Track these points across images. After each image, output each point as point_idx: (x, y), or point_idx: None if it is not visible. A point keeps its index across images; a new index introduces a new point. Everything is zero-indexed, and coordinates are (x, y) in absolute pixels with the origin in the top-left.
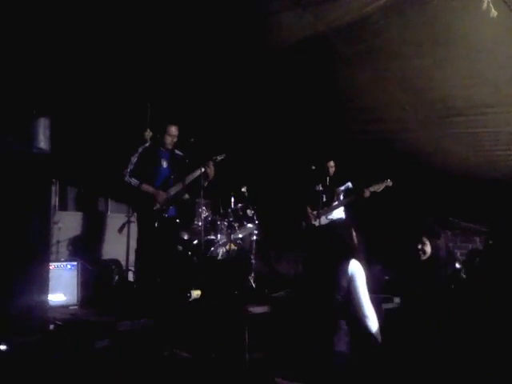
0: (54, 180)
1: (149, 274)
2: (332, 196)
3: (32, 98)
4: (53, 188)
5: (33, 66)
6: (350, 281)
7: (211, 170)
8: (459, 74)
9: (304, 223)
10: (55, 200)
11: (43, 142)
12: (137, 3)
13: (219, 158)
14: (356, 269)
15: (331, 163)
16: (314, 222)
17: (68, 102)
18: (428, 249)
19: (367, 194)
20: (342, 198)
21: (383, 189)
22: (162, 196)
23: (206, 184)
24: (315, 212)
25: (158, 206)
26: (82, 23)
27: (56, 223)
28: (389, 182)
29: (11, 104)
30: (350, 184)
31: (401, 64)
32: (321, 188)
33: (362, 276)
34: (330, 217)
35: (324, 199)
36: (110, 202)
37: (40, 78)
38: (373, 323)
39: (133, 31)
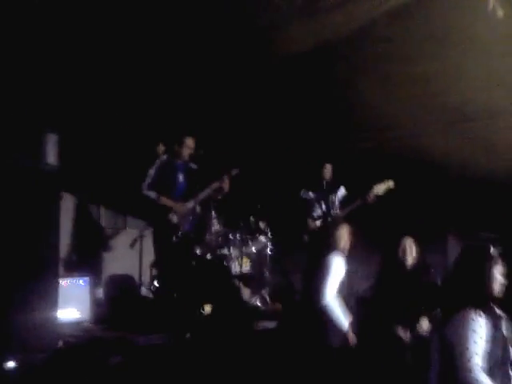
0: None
1: (165, 289)
2: (332, 204)
3: (40, 114)
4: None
5: (41, 83)
6: (324, 271)
7: (226, 184)
8: (473, 78)
9: (306, 237)
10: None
11: (52, 158)
12: (146, 16)
13: (235, 171)
14: (331, 262)
15: (328, 166)
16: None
17: (78, 118)
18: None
19: (372, 196)
20: (337, 205)
21: (385, 190)
22: (180, 208)
23: (219, 197)
24: (317, 222)
25: (175, 219)
26: (91, 39)
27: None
28: (390, 183)
29: (20, 121)
30: (343, 189)
31: (411, 69)
32: (314, 195)
33: (336, 268)
34: None
35: (323, 208)
36: (119, 217)
37: (48, 95)
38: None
39: (143, 47)
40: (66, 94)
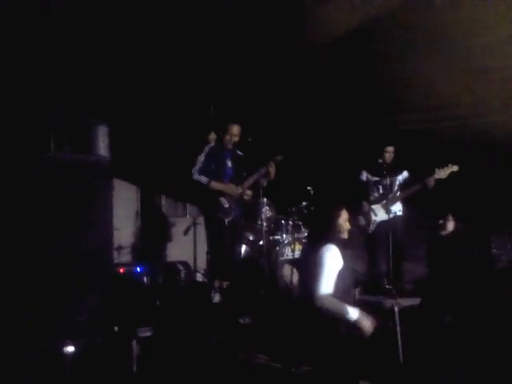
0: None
1: (218, 274)
2: (390, 187)
3: (91, 106)
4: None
5: (91, 75)
6: (316, 266)
7: (273, 170)
8: None
9: (362, 220)
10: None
11: (103, 150)
12: (189, 10)
13: (279, 157)
14: (325, 253)
15: (390, 149)
16: (373, 218)
17: (128, 108)
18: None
19: (432, 181)
20: (397, 188)
21: (448, 175)
22: (233, 188)
23: (265, 184)
24: (373, 206)
25: (226, 203)
26: (140, 29)
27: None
28: (454, 167)
29: (71, 113)
30: (406, 173)
31: (465, 44)
32: (376, 178)
33: (331, 260)
34: (393, 210)
35: (381, 191)
36: (172, 205)
37: (99, 87)
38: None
39: (185, 38)
40: (115, 85)
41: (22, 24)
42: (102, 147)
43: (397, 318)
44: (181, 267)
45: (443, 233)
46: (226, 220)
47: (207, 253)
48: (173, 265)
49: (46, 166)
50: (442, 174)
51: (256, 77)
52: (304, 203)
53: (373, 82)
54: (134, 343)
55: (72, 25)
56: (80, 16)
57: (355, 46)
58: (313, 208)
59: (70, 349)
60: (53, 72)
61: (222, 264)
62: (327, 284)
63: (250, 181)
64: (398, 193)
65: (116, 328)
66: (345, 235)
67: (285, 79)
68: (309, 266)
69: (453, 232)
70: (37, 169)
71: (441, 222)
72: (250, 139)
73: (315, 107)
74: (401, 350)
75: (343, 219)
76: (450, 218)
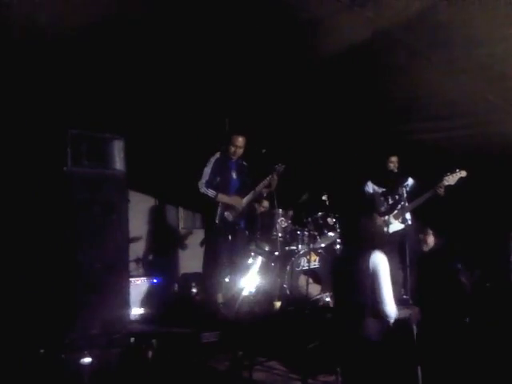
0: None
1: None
2: (399, 196)
3: (107, 121)
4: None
5: (107, 91)
6: (373, 271)
7: (274, 181)
8: None
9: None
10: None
11: (119, 163)
12: (206, 20)
13: (281, 168)
14: (378, 260)
15: (394, 158)
16: (386, 230)
17: (145, 122)
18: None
19: (442, 188)
20: (405, 197)
21: (457, 181)
22: (239, 201)
23: (265, 194)
24: (385, 218)
25: (231, 217)
26: (155, 46)
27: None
28: (462, 173)
29: (87, 128)
30: (411, 180)
31: (478, 51)
32: (383, 189)
33: (385, 266)
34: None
35: (389, 201)
36: (189, 217)
37: (114, 102)
38: (390, 310)
39: (196, 50)
40: (130, 100)
41: (40, 43)
42: (118, 161)
43: (414, 327)
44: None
45: (425, 248)
46: (229, 233)
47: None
48: (187, 276)
49: (64, 180)
50: (451, 180)
51: (266, 88)
52: (319, 213)
53: (385, 92)
54: (150, 353)
55: (88, 43)
56: (97, 34)
57: (367, 57)
58: (344, 218)
59: (87, 360)
60: (70, 89)
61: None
62: (389, 288)
63: (255, 193)
64: (407, 203)
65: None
66: (384, 242)
67: (294, 90)
68: (355, 273)
69: (434, 246)
70: (54, 182)
71: (421, 236)
72: (264, 151)
73: (327, 118)
74: (419, 360)
75: (383, 228)
76: (430, 232)
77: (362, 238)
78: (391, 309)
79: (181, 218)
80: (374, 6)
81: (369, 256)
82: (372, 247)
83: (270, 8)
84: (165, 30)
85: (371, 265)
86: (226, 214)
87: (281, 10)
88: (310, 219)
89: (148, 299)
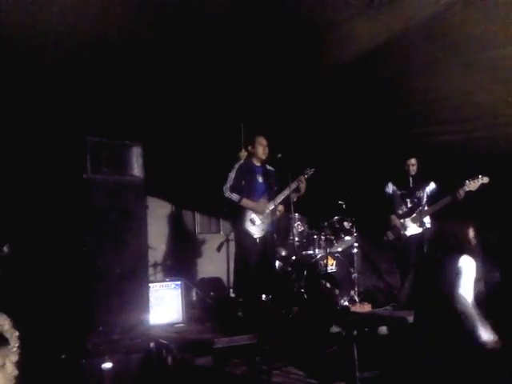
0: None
1: (250, 291)
2: (418, 199)
3: (125, 128)
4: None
5: (125, 98)
6: (457, 274)
7: (303, 185)
8: None
9: (390, 235)
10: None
11: (137, 170)
12: (223, 26)
13: (309, 172)
14: (465, 263)
15: (412, 161)
16: (403, 233)
17: (163, 128)
18: None
19: (462, 194)
20: (425, 201)
21: (479, 187)
22: (263, 206)
23: (295, 199)
24: (402, 220)
25: (258, 221)
26: (174, 49)
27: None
28: (484, 179)
29: (106, 135)
30: (433, 184)
31: (494, 52)
32: (403, 191)
33: (471, 271)
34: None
35: (409, 204)
36: (205, 221)
37: (132, 109)
38: (469, 316)
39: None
40: (147, 107)
41: (59, 52)
42: (136, 167)
43: None
44: (213, 284)
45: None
46: (257, 237)
47: (235, 268)
48: (206, 281)
49: (84, 187)
50: (472, 186)
51: (285, 94)
52: (336, 217)
53: (403, 95)
54: (170, 358)
55: (107, 51)
56: (116, 43)
57: (383, 61)
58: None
59: (108, 365)
60: (89, 97)
61: (248, 280)
62: (469, 290)
63: (282, 196)
64: (426, 206)
65: None
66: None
67: (313, 95)
68: (445, 276)
69: None
70: (75, 189)
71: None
72: (279, 155)
73: (346, 122)
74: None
75: (472, 235)
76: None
77: (455, 243)
78: (469, 316)
79: (197, 223)
80: (389, 10)
81: (460, 258)
82: (463, 251)
83: (286, 13)
84: (182, 37)
85: (459, 265)
86: (253, 217)
87: (297, 15)
88: (326, 223)
89: (167, 304)
